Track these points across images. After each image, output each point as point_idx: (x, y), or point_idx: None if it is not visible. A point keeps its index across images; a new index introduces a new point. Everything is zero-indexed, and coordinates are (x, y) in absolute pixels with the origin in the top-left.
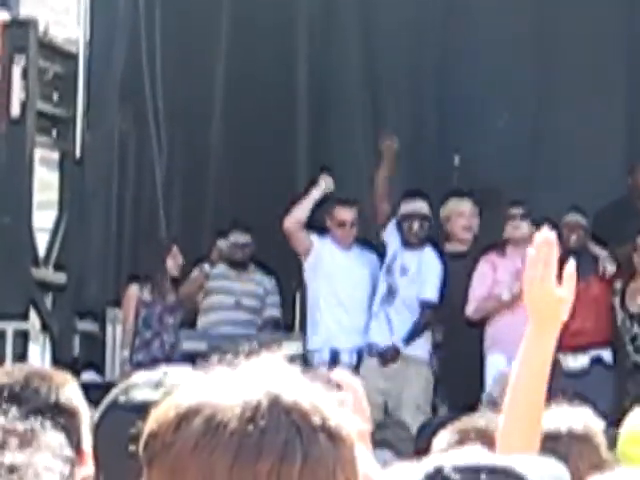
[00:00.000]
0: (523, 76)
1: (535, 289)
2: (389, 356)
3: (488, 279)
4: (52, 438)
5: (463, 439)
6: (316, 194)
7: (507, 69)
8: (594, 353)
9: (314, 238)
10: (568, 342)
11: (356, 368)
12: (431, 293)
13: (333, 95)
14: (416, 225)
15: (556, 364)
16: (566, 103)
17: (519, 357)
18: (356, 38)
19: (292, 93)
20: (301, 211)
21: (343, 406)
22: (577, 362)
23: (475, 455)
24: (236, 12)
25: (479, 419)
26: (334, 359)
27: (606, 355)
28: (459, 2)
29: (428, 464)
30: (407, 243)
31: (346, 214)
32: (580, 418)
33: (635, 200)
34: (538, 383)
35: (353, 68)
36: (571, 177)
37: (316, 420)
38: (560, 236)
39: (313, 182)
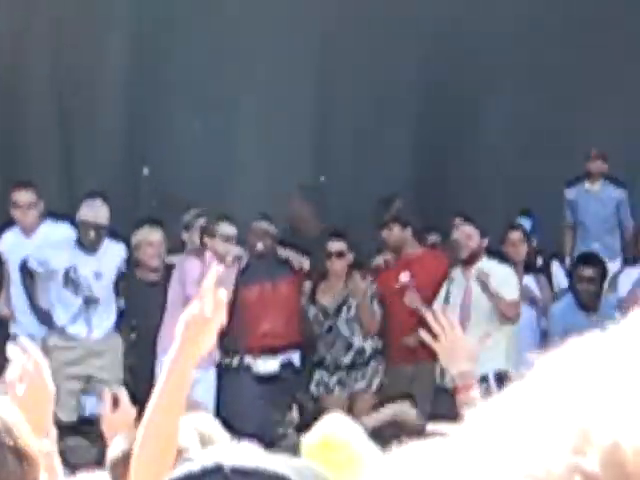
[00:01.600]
0: (212, 83)
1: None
2: None
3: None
4: None
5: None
6: None
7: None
8: (284, 357)
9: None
10: (258, 343)
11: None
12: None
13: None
14: (92, 234)
15: (247, 369)
16: (254, 112)
17: (161, 378)
18: None
19: None
20: None
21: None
22: (267, 366)
23: (251, 455)
24: None
25: None
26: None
27: (295, 358)
28: None
29: (206, 457)
30: (85, 248)
31: (20, 196)
32: None
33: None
34: (180, 398)
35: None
36: (263, 186)
37: (5, 440)
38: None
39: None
